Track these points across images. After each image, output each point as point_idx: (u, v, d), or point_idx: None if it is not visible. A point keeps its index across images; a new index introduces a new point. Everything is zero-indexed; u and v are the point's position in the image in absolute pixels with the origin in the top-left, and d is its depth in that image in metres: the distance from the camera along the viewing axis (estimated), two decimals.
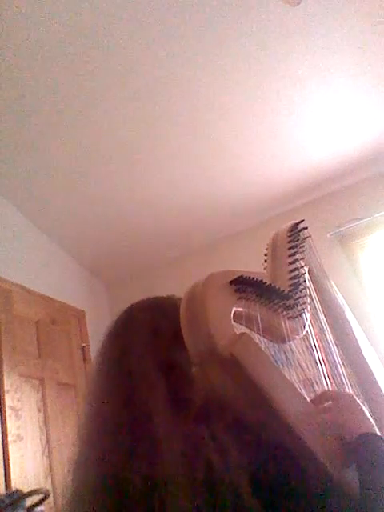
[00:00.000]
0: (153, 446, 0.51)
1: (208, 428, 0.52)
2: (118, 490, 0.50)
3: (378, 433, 0.57)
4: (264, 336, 0.63)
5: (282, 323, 0.66)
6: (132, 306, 0.76)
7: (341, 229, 2.73)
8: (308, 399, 0.62)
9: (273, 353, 0.66)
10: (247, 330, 0.61)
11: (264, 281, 0.64)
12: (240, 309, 0.60)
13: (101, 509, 0.51)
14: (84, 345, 2.76)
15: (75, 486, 0.57)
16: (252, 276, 0.62)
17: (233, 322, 0.58)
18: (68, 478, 0.58)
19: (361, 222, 2.67)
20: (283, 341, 0.67)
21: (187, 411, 0.56)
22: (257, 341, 0.60)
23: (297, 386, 0.61)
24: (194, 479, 0.48)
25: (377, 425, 0.78)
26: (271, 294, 0.65)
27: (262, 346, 0.61)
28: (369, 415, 0.61)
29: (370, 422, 0.59)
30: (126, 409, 0.58)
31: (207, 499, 0.47)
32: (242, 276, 0.60)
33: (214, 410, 0.54)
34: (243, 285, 0.60)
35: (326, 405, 0.63)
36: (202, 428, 0.52)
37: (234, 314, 0.58)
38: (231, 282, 0.60)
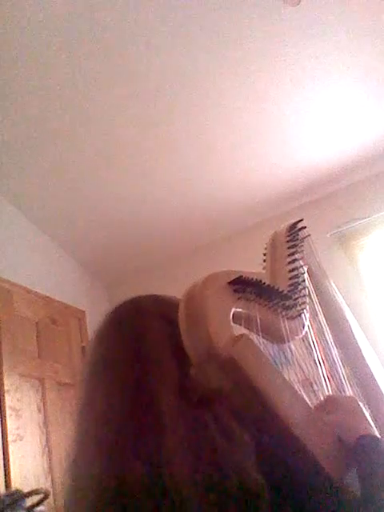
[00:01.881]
0: (157, 432, 0.51)
1: (211, 412, 0.52)
2: (121, 478, 0.49)
3: (378, 435, 0.57)
4: (263, 336, 0.63)
5: (282, 323, 0.66)
6: (134, 298, 0.75)
7: (341, 229, 2.73)
8: (308, 400, 0.62)
9: (272, 353, 0.66)
10: (246, 331, 0.61)
11: (263, 281, 0.63)
12: (239, 309, 0.59)
13: (104, 497, 0.50)
14: (84, 345, 2.76)
15: (76, 477, 0.56)
16: (251, 276, 0.62)
17: (232, 323, 0.58)
18: (67, 471, 0.57)
19: (361, 221, 2.68)
20: (282, 341, 0.67)
21: (192, 398, 0.55)
22: (256, 341, 0.59)
23: (296, 387, 0.61)
24: (198, 462, 0.48)
25: (376, 424, 0.78)
26: (270, 294, 0.65)
27: (261, 347, 0.60)
28: (369, 417, 0.60)
29: (370, 424, 0.59)
30: (134, 395, 0.57)
31: (212, 481, 0.46)
32: (241, 276, 0.60)
33: (217, 398, 0.54)
34: (242, 285, 0.60)
35: (328, 408, 0.63)
36: (206, 412, 0.52)
37: (233, 314, 0.58)
38: (230, 283, 0.59)
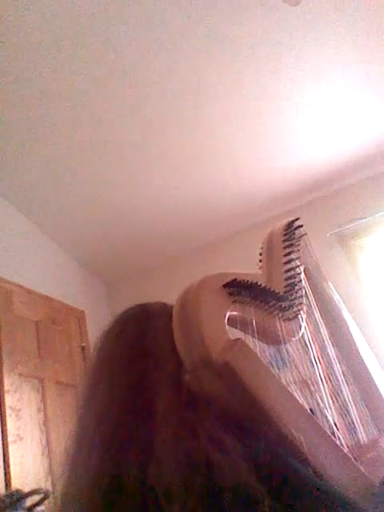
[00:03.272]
0: (150, 431, 0.51)
1: (199, 422, 0.51)
2: (114, 476, 0.50)
3: None
4: (259, 339, 0.62)
5: (278, 325, 0.65)
6: (139, 303, 0.76)
7: (341, 229, 2.73)
8: (305, 402, 0.62)
9: (268, 355, 0.66)
10: (242, 334, 0.61)
11: (259, 283, 0.63)
12: (235, 312, 0.58)
13: (96, 494, 0.50)
14: (84, 345, 2.77)
15: (72, 471, 0.56)
16: (246, 278, 0.61)
17: (227, 327, 0.57)
18: (65, 465, 0.57)
19: (361, 221, 2.67)
20: (279, 343, 0.66)
21: (186, 397, 0.55)
22: (252, 344, 0.59)
23: (293, 389, 0.61)
24: (191, 468, 0.47)
25: (374, 422, 0.78)
26: (266, 296, 0.64)
27: (258, 349, 0.60)
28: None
29: None
30: (135, 389, 0.57)
31: (205, 486, 0.46)
32: (236, 279, 0.59)
33: (204, 407, 0.54)
34: (237, 288, 0.58)
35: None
36: (194, 422, 0.52)
37: (228, 317, 0.57)
38: (225, 286, 0.58)
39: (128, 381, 0.59)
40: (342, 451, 0.58)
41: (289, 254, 0.77)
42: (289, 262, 0.76)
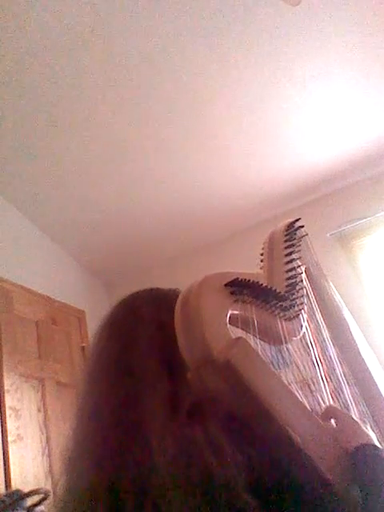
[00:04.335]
0: (147, 448, 0.50)
1: (202, 427, 0.51)
2: (111, 494, 0.49)
3: (378, 444, 0.57)
4: (261, 338, 0.62)
5: (279, 325, 0.65)
6: (132, 296, 0.74)
7: (341, 229, 2.73)
8: (306, 402, 0.62)
9: (269, 355, 0.66)
10: (243, 333, 0.61)
11: (260, 282, 0.63)
12: (236, 311, 0.59)
13: (93, 504, 0.50)
14: (84, 345, 2.76)
15: (68, 488, 0.56)
16: (248, 278, 0.61)
17: (229, 325, 0.57)
18: (60, 480, 0.57)
19: (361, 221, 2.67)
20: (280, 343, 0.66)
21: (183, 411, 0.54)
22: (253, 343, 0.59)
23: (294, 389, 0.61)
24: (188, 481, 0.47)
25: (375, 423, 0.78)
26: (267, 295, 0.64)
27: (259, 348, 0.60)
28: (368, 429, 0.60)
29: (369, 434, 0.58)
30: (123, 409, 0.56)
31: (202, 500, 0.45)
32: (237, 278, 0.59)
33: (208, 409, 0.53)
34: (239, 287, 0.59)
35: (329, 416, 0.63)
36: (196, 427, 0.51)
37: (229, 316, 0.57)
38: (226, 285, 0.58)
39: (115, 399, 0.58)
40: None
41: (290, 254, 0.77)
42: (290, 261, 0.76)
